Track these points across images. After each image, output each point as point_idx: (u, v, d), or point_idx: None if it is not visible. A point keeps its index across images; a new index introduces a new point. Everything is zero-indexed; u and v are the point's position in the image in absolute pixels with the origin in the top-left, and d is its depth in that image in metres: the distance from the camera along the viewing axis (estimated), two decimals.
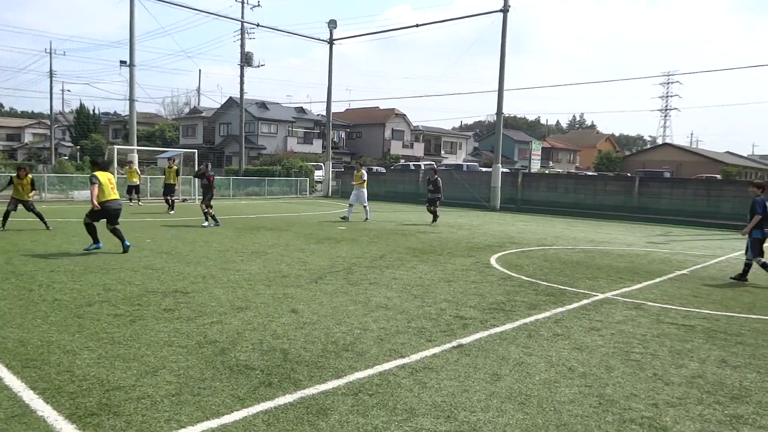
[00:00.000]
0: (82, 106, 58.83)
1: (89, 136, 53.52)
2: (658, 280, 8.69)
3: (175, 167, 19.80)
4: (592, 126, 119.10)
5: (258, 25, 34.05)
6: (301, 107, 56.71)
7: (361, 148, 57.71)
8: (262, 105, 52.54)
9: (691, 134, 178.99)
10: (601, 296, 7.31)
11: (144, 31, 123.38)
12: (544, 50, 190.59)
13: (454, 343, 5.08)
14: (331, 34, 33.36)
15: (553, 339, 5.33)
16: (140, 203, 22.05)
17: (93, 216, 9.60)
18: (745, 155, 74.01)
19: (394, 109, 58.55)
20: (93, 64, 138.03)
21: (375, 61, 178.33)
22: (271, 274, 8.08)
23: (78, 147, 51.96)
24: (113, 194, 9.66)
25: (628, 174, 45.52)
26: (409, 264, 9.39)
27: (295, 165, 36.26)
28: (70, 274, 7.72)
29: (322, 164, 37.66)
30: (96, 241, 9.74)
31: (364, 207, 17.36)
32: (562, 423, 3.56)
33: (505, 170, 29.36)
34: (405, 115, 59.45)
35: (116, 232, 9.70)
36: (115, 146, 25.50)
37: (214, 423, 3.42)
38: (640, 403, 3.91)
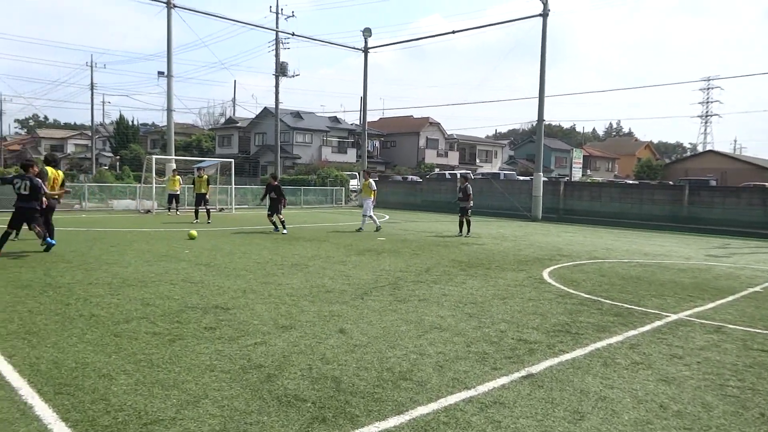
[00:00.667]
0: (121, 117, 60.17)
1: (128, 146, 54.55)
2: (730, 298, 7.98)
3: (206, 176, 19.68)
4: (630, 133, 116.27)
5: (293, 35, 34.15)
6: (335, 116, 56.74)
7: (396, 157, 57.36)
8: (297, 115, 52.71)
9: (735, 141, 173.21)
10: (674, 317, 6.68)
11: (180, 44, 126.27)
12: (579, 57, 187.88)
13: (523, 372, 4.56)
14: (366, 42, 33.19)
15: (633, 368, 4.76)
16: (178, 212, 22.05)
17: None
18: None
19: (428, 117, 58.07)
20: (132, 76, 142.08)
21: (405, 71, 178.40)
22: (314, 289, 7.68)
23: (118, 157, 52.96)
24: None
25: (671, 182, 44.14)
26: (458, 278, 8.88)
27: (330, 174, 36.09)
28: (107, 287, 7.46)
29: (357, 173, 37.41)
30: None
31: (363, 216, 16.70)
32: None
33: (544, 179, 28.56)
34: (439, 123, 58.92)
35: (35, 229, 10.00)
36: (153, 156, 25.67)
37: None
38: None
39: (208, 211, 19.05)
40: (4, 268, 8.61)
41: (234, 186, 27.15)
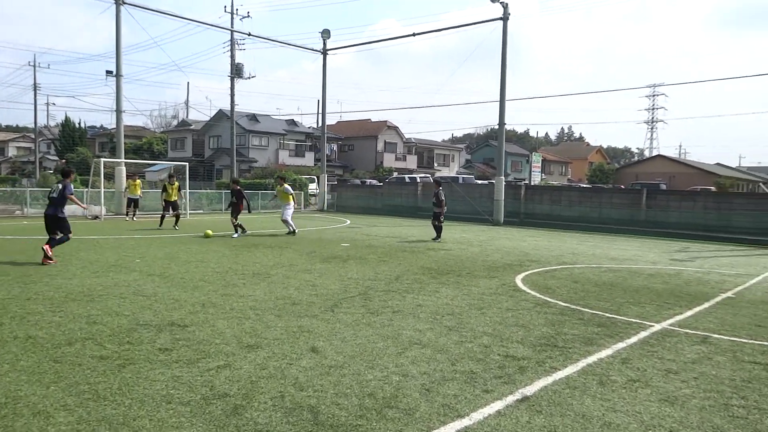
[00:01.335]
0: (67, 119, 57.57)
1: (75, 149, 52.25)
2: (707, 305, 7.84)
3: (177, 183, 18.76)
4: (581, 138, 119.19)
5: (249, 35, 33.18)
6: (293, 120, 55.80)
7: (354, 160, 56.85)
8: (253, 117, 51.56)
9: (680, 146, 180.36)
10: (657, 327, 6.44)
11: (130, 44, 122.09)
12: (534, 63, 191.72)
13: (518, 395, 4.17)
14: (324, 44, 32.60)
15: (630, 387, 4.44)
16: (134, 218, 21.00)
17: None
18: (734, 167, 74.06)
19: (386, 121, 57.79)
20: (78, 77, 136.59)
21: (363, 74, 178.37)
22: (280, 301, 7.14)
23: (63, 161, 50.59)
24: None
25: (622, 186, 45.17)
26: (430, 287, 8.48)
27: (288, 178, 35.29)
28: (48, 302, 6.73)
29: (315, 177, 36.72)
30: None
31: (284, 222, 16.38)
32: None
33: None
34: (397, 127, 58.70)
35: None
36: (102, 159, 24.36)
37: None
38: None
39: (177, 216, 18.10)
40: None
41: (188, 190, 26.08)
